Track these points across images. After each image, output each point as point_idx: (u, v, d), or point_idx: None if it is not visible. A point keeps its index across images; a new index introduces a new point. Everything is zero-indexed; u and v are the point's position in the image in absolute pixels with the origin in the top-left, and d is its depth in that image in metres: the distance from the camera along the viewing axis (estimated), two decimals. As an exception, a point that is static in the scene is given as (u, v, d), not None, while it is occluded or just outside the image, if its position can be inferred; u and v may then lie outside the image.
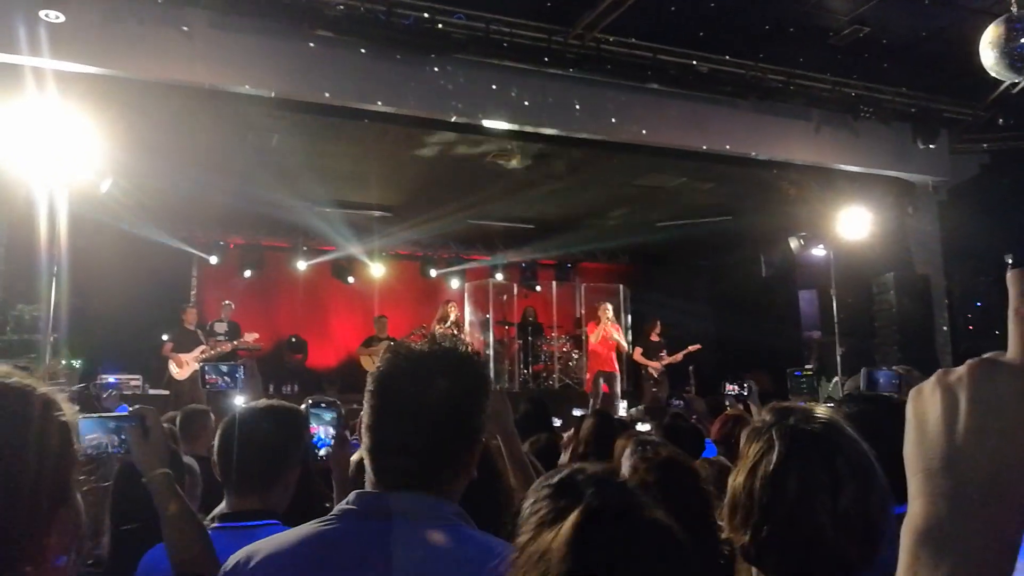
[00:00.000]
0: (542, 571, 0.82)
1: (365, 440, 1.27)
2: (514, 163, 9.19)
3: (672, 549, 0.87)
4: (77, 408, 0.90)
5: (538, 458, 2.80)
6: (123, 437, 1.97)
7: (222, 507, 1.98)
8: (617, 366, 10.55)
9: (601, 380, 10.31)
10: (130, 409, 1.99)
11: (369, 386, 1.28)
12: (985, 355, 0.55)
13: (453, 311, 10.31)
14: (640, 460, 2.25)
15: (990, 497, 0.52)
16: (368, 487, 1.25)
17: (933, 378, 0.57)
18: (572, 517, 0.85)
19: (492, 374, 12.85)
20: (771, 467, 1.25)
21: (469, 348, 1.32)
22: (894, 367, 2.93)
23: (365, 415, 1.27)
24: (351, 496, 1.23)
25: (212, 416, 4.27)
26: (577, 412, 8.24)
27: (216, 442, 1.98)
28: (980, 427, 0.53)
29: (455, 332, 9.64)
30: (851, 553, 1.20)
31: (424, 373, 1.24)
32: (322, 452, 2.15)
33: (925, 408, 0.56)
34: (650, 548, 0.85)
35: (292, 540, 1.20)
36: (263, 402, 2.07)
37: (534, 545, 0.86)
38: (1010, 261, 9.24)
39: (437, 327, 10.03)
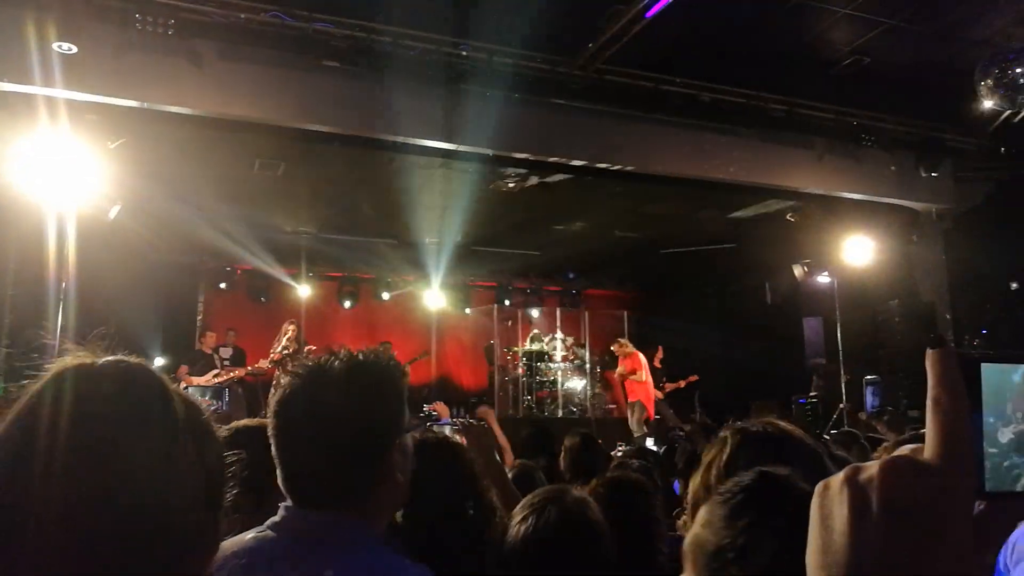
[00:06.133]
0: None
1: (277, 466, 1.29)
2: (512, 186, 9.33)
3: None
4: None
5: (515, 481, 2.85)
6: None
7: None
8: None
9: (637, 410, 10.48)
10: None
11: (269, 411, 1.30)
12: (899, 452, 0.49)
13: (291, 329, 10.30)
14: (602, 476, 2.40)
15: None
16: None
17: (841, 475, 0.50)
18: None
19: (495, 401, 12.85)
20: (724, 460, 1.31)
21: (371, 355, 1.31)
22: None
23: (271, 442, 1.28)
24: (281, 509, 1.27)
25: None
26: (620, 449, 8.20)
27: None
28: (893, 536, 0.46)
29: (292, 350, 9.73)
30: None
31: (313, 389, 1.25)
32: None
33: (831, 508, 0.49)
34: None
35: (237, 546, 1.24)
36: (242, 423, 2.02)
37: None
38: (1015, 286, 9.23)
39: (275, 346, 10.06)
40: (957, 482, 0.46)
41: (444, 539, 1.71)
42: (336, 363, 1.27)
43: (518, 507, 1.81)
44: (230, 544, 1.23)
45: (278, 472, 1.27)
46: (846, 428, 6.99)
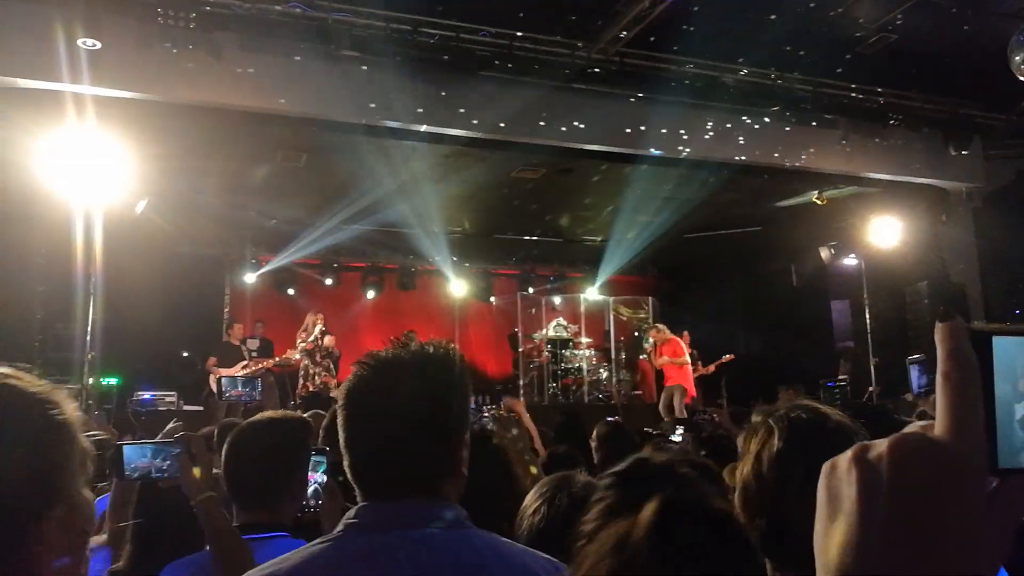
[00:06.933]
0: (624, 560, 0.81)
1: (345, 456, 1.25)
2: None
3: (738, 540, 0.90)
4: (77, 405, 0.88)
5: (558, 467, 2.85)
6: (167, 462, 2.05)
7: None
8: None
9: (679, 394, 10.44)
10: (175, 436, 2.03)
11: (339, 401, 1.27)
12: (909, 429, 0.47)
13: (320, 319, 10.29)
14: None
15: None
16: (361, 501, 1.23)
17: (849, 453, 0.48)
18: (650, 507, 0.85)
19: (521, 388, 12.88)
20: (775, 449, 1.27)
21: (441, 347, 1.29)
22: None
23: (340, 432, 1.25)
24: (351, 511, 1.22)
25: None
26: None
27: (221, 458, 1.98)
28: (902, 515, 0.44)
29: (319, 343, 9.71)
30: None
31: (389, 379, 1.23)
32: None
33: (839, 489, 0.47)
34: (721, 539, 0.88)
35: (303, 558, 1.18)
36: (266, 415, 2.05)
37: (606, 532, 0.84)
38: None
39: (300, 336, 10.04)
40: (967, 459, 0.45)
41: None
42: (406, 354, 1.26)
43: (528, 499, 1.80)
44: (290, 559, 1.18)
45: (346, 463, 1.24)
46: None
